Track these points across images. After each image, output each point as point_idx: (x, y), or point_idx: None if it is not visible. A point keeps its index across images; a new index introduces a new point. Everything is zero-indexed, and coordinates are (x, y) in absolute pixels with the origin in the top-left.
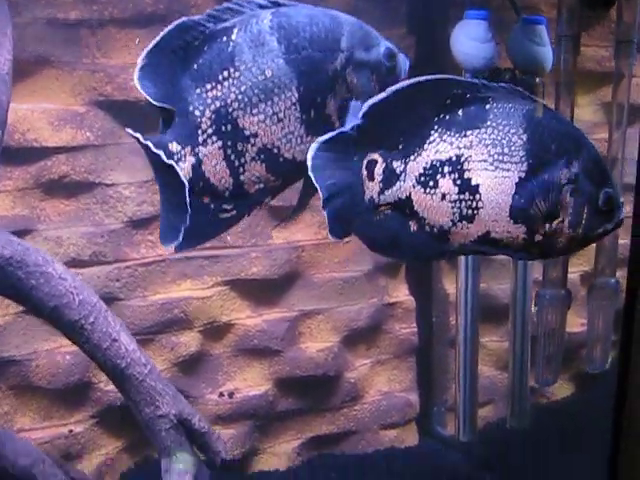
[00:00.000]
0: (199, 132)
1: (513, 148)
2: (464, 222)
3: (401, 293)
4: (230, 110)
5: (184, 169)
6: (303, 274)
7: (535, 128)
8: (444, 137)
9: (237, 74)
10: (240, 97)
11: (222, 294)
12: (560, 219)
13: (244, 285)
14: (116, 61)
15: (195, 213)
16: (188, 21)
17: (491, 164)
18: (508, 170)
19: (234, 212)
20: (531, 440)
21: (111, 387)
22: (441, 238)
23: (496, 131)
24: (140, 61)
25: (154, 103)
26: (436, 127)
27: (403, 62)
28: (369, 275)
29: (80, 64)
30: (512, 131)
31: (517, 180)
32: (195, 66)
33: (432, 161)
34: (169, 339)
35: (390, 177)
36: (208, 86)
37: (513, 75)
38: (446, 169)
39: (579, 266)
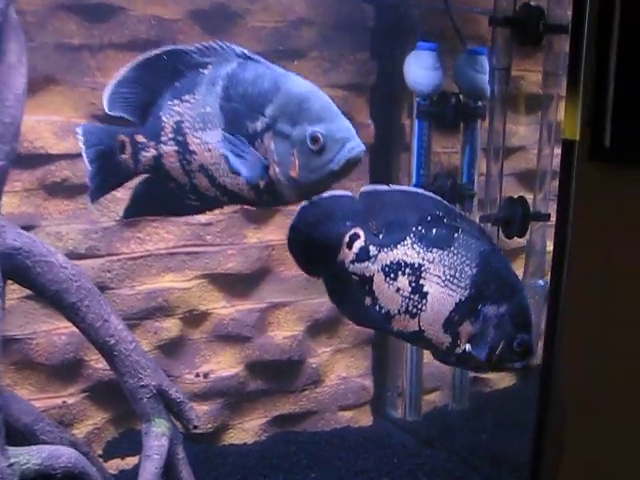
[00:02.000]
0: (162, 133)
1: (462, 276)
2: (407, 316)
3: None
4: (183, 126)
5: (146, 157)
6: (273, 270)
7: (484, 266)
8: (415, 245)
9: (193, 101)
10: (190, 119)
11: (201, 286)
12: (481, 342)
13: (220, 279)
14: (113, 80)
15: (163, 192)
16: (180, 49)
17: (443, 281)
18: (453, 291)
19: (198, 203)
20: (470, 422)
21: (101, 365)
22: (386, 319)
23: (455, 257)
24: (124, 72)
25: (107, 111)
26: (412, 235)
27: (346, 151)
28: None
29: (82, 82)
30: (467, 262)
31: (457, 301)
32: (177, 84)
33: (399, 260)
34: (153, 324)
35: (363, 255)
36: (176, 102)
37: (458, 99)
38: (407, 270)
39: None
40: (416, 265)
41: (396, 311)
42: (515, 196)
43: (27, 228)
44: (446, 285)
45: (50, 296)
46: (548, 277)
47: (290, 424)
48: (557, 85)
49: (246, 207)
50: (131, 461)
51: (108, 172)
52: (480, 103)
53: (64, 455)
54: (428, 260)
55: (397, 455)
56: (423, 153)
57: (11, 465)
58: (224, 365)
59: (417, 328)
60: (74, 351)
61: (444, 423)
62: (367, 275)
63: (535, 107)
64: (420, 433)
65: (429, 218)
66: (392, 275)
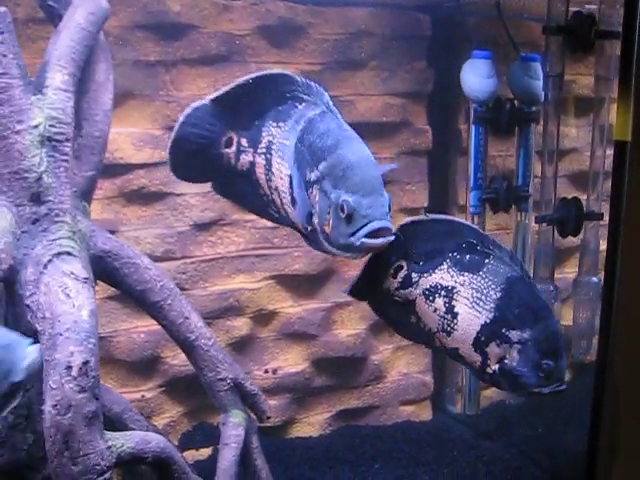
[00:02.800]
0: (259, 146)
1: (488, 299)
2: (443, 334)
3: None
4: (271, 146)
5: (244, 159)
6: (337, 271)
7: (509, 291)
8: (450, 269)
9: (283, 130)
10: (277, 144)
11: (269, 287)
12: (507, 365)
13: (287, 279)
14: (186, 93)
15: (254, 193)
16: (292, 78)
17: (470, 303)
18: (480, 312)
19: (277, 215)
20: (526, 415)
21: (177, 361)
22: (429, 336)
23: (483, 281)
24: (244, 80)
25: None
26: (448, 260)
27: (367, 229)
28: None
29: (157, 96)
30: (492, 286)
31: (483, 322)
32: (280, 108)
33: (437, 283)
34: (224, 323)
35: (406, 282)
36: (273, 124)
37: (512, 105)
38: (443, 292)
39: (572, 267)
40: (449, 287)
41: (435, 329)
42: (569, 197)
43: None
44: (473, 307)
45: (136, 296)
46: (602, 274)
47: (354, 418)
48: (609, 88)
49: None
50: (205, 452)
51: (206, 158)
52: (534, 108)
53: (154, 441)
54: (459, 283)
55: (457, 447)
56: (480, 157)
57: (109, 447)
58: (291, 362)
59: (453, 346)
60: (152, 348)
61: (501, 417)
62: (410, 299)
63: (586, 110)
64: (478, 427)
65: (464, 245)
66: (431, 297)
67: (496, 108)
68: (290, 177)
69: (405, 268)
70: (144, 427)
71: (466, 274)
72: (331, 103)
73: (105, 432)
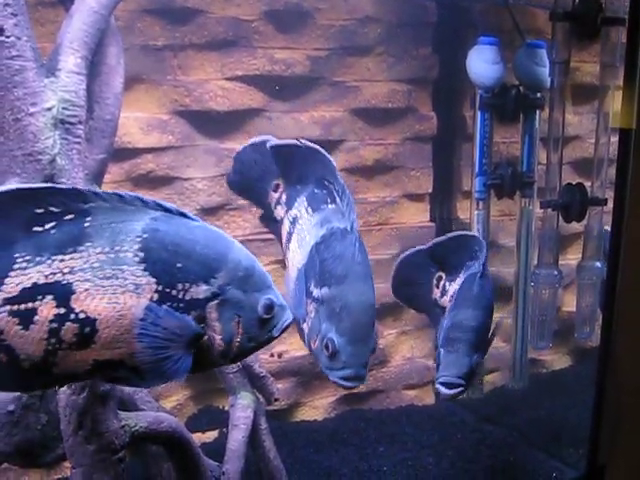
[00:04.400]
0: (290, 212)
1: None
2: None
3: None
4: (296, 223)
5: (279, 210)
6: None
7: (462, 286)
8: (462, 277)
9: (309, 218)
10: (300, 225)
11: (275, 271)
12: None
13: None
14: (193, 78)
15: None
16: (334, 167)
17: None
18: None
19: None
20: (528, 400)
21: None
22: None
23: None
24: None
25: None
26: (464, 269)
27: (344, 370)
28: (397, 258)
29: (165, 81)
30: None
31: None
32: (315, 190)
33: (456, 289)
34: None
35: (444, 291)
36: (305, 203)
37: (518, 91)
38: (454, 296)
39: (576, 253)
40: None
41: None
42: (573, 182)
43: None
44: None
45: None
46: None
47: (358, 402)
48: (614, 75)
49: None
50: (211, 435)
51: (256, 188)
52: (539, 94)
53: (166, 421)
54: (458, 284)
55: (459, 431)
56: (486, 143)
57: (123, 427)
58: (296, 346)
59: None
60: None
61: (504, 401)
62: (444, 306)
63: (589, 97)
64: (481, 411)
65: (473, 255)
66: (450, 302)
67: (502, 94)
68: (299, 271)
69: (444, 279)
70: (154, 408)
71: (463, 277)
72: (357, 224)
73: (119, 412)
